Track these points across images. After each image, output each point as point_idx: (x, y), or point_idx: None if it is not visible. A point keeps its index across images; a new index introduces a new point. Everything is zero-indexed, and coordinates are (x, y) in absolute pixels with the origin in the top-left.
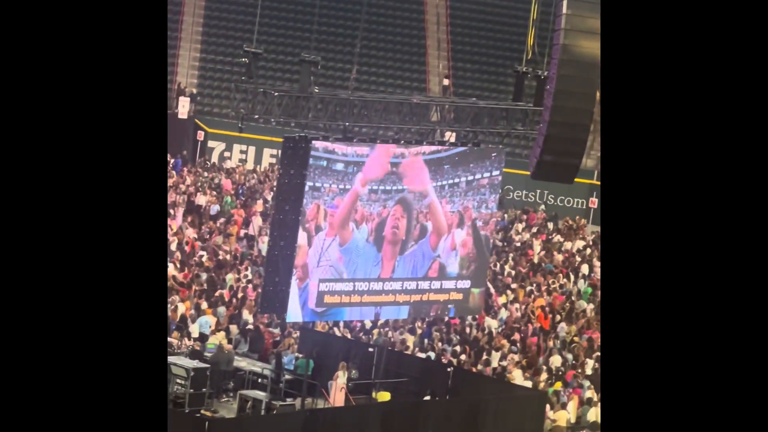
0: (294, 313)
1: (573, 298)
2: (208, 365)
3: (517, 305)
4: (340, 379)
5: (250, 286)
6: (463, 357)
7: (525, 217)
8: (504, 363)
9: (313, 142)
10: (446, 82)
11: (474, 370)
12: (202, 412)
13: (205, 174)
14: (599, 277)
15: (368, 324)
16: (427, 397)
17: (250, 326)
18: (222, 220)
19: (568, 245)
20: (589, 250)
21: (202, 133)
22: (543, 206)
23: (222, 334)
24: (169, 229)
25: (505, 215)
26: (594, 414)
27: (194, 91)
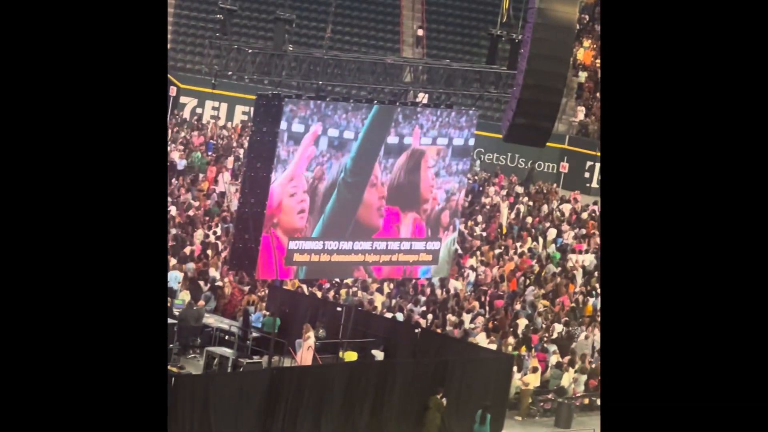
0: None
1: (543, 261)
2: (174, 321)
3: (486, 268)
4: (309, 338)
5: (219, 242)
6: (430, 317)
7: (495, 180)
8: (473, 326)
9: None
10: (420, 32)
11: (439, 331)
12: (169, 368)
13: (175, 129)
14: (568, 242)
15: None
16: (381, 353)
17: (219, 283)
18: (191, 176)
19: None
20: (558, 214)
21: (175, 88)
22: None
23: (187, 291)
24: None
25: (476, 177)
26: (566, 379)
27: (168, 46)
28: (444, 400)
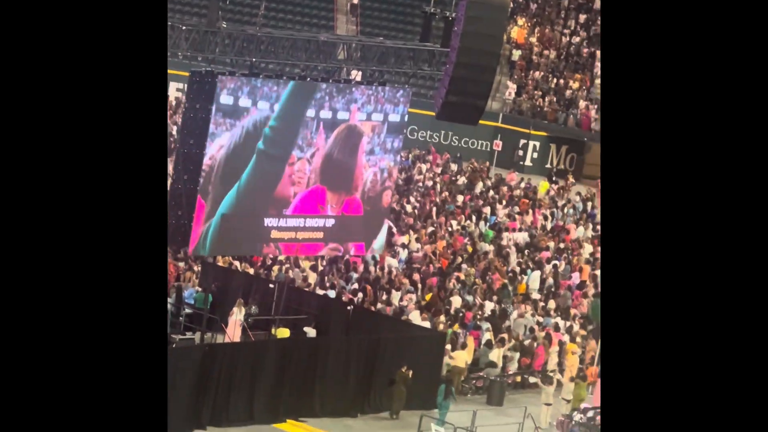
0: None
1: (475, 239)
2: None
3: (419, 245)
4: (236, 314)
5: None
6: (361, 295)
7: (429, 157)
8: (404, 303)
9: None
10: (354, 0)
11: (373, 309)
12: None
13: None
14: (500, 220)
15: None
16: (313, 330)
17: None
18: None
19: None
20: (492, 193)
21: None
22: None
23: None
24: None
25: (410, 155)
26: (495, 355)
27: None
28: (410, 373)
